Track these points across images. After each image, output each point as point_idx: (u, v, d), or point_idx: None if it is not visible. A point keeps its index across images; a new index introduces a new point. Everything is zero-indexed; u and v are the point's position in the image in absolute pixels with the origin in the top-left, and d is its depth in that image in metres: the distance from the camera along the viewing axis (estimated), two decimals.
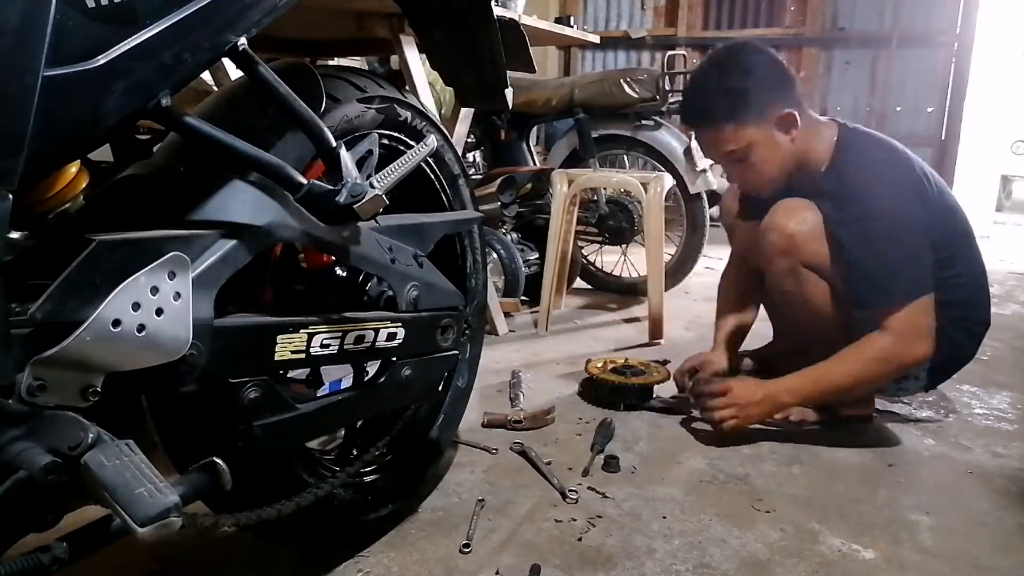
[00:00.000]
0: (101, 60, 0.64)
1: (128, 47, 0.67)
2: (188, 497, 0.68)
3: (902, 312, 1.47)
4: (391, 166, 0.87)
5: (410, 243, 1.06)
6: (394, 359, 1.04)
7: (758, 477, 1.45)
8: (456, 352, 1.15)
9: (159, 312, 0.68)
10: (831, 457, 1.55)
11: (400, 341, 1.03)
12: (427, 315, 1.07)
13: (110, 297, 0.64)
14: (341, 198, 0.82)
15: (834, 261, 1.55)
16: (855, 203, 1.51)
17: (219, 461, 0.72)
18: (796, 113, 1.55)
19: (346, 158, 0.85)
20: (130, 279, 0.66)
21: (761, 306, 1.95)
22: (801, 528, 1.27)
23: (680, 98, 2.93)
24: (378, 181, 0.84)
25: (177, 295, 0.70)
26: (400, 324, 1.02)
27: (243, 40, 0.78)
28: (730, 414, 1.57)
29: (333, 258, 0.95)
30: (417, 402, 1.19)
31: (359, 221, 0.85)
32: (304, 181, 0.81)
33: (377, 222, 1.00)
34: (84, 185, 0.78)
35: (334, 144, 0.84)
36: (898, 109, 5.48)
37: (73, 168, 0.76)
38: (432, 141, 0.94)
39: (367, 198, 0.82)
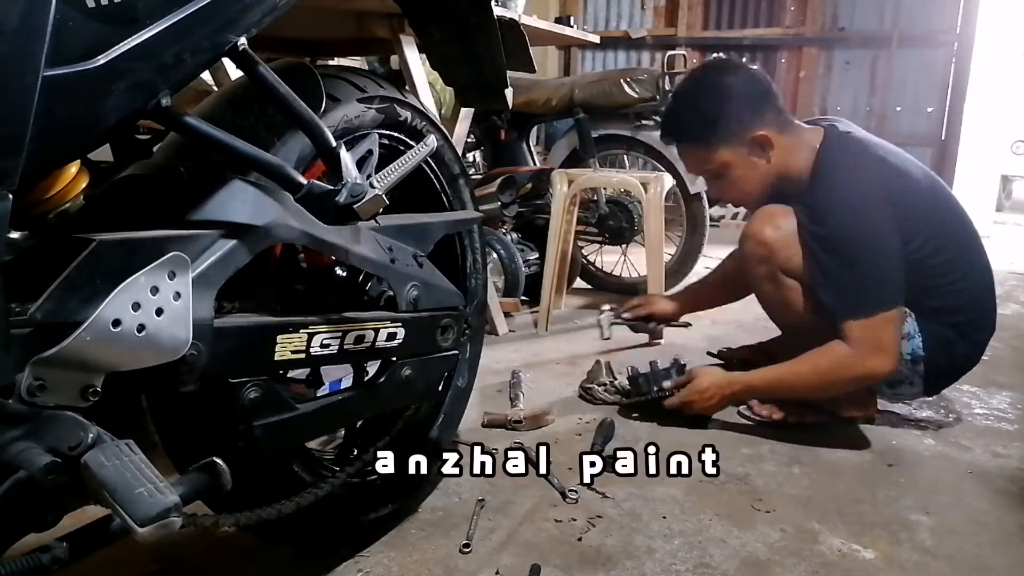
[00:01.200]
0: (101, 60, 0.64)
1: (128, 47, 0.67)
2: (188, 497, 0.68)
3: (865, 323, 1.48)
4: (391, 166, 0.87)
5: (410, 243, 1.06)
6: (394, 359, 1.04)
7: (758, 477, 1.45)
8: (456, 352, 1.15)
9: (159, 312, 0.68)
10: (831, 457, 1.55)
11: (400, 341, 1.02)
12: (427, 315, 1.07)
13: (110, 297, 0.64)
14: (341, 198, 0.82)
15: (807, 267, 1.56)
16: (827, 217, 1.52)
17: (219, 461, 0.72)
18: (770, 135, 1.57)
19: (346, 158, 0.85)
20: (130, 279, 0.66)
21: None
22: (801, 528, 1.27)
23: None
24: (378, 181, 0.84)
25: (177, 295, 0.70)
26: (400, 324, 1.02)
27: (243, 40, 0.78)
28: (690, 402, 1.64)
29: (333, 258, 0.94)
30: (417, 402, 1.19)
31: (359, 221, 0.85)
32: (304, 181, 0.81)
33: (377, 222, 1.00)
34: (84, 185, 0.78)
35: (334, 144, 0.84)
36: (898, 109, 5.48)
37: (73, 168, 0.76)
38: (432, 141, 0.94)
39: (367, 198, 0.82)
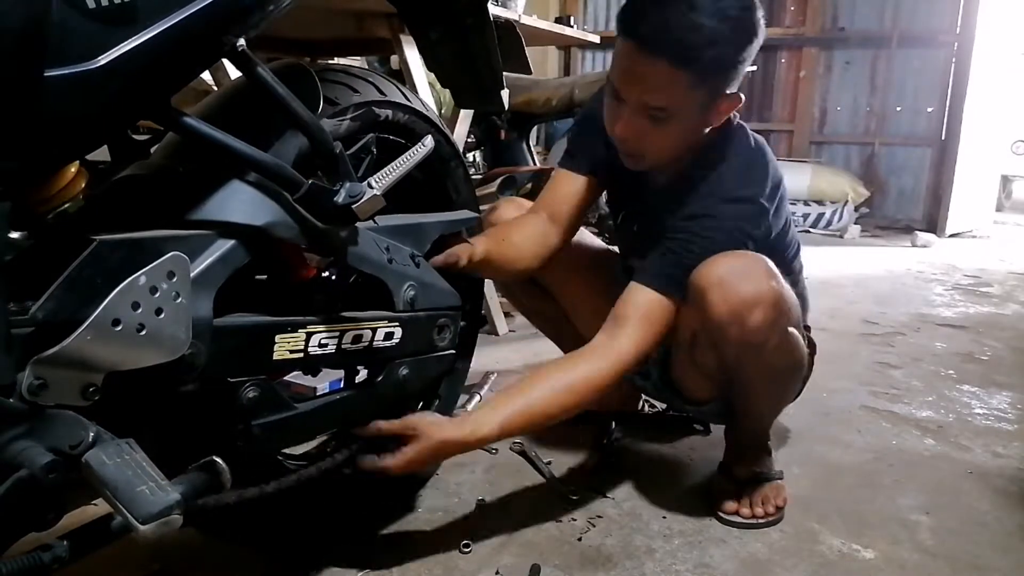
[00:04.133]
0: (102, 60, 0.65)
1: (128, 47, 0.67)
2: (189, 495, 0.69)
3: (651, 295, 1.17)
4: (389, 166, 0.88)
5: (407, 243, 1.06)
6: (392, 359, 1.04)
7: None
8: (453, 351, 1.15)
9: (159, 312, 0.69)
10: (831, 457, 1.56)
11: (398, 341, 1.03)
12: (424, 315, 1.07)
13: (111, 296, 0.65)
14: (339, 198, 0.83)
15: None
16: (694, 203, 1.22)
17: (219, 460, 0.72)
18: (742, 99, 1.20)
19: (345, 159, 0.85)
20: (130, 279, 0.66)
21: None
22: (801, 528, 1.27)
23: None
24: (376, 181, 0.84)
25: (176, 295, 0.70)
26: (397, 324, 1.02)
27: (242, 40, 0.78)
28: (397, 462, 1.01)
29: (316, 271, 0.94)
30: (414, 401, 1.19)
31: (357, 221, 0.85)
32: (304, 181, 0.81)
33: (375, 222, 1.00)
34: (83, 185, 0.78)
35: (332, 144, 0.84)
36: (898, 109, 5.49)
37: (72, 168, 0.76)
38: (430, 142, 0.94)
39: (365, 198, 0.82)
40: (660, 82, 1.10)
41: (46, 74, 0.61)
